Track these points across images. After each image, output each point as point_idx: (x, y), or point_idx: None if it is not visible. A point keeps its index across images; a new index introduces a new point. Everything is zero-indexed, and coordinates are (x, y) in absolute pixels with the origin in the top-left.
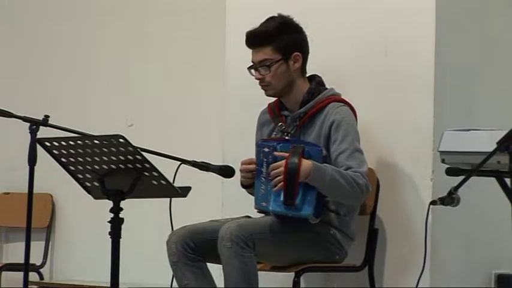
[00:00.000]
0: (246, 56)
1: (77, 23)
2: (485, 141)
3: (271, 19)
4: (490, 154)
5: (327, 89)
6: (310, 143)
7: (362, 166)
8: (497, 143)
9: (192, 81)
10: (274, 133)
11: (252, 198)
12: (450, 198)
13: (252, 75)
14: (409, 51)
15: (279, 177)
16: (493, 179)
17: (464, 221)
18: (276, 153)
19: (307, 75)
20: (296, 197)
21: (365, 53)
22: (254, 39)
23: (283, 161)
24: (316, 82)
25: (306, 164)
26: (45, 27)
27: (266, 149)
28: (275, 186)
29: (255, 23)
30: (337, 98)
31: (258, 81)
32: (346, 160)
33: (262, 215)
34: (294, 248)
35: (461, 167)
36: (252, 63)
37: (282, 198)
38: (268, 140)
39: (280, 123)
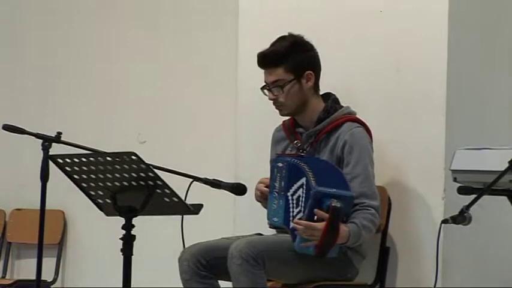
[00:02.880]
0: (258, 73)
1: (89, 39)
2: (497, 160)
3: (281, 39)
4: (502, 173)
5: (342, 107)
6: (328, 164)
7: (375, 196)
8: (509, 162)
9: (205, 98)
10: (289, 149)
11: (264, 215)
12: (462, 217)
13: (265, 95)
14: (421, 70)
15: (314, 238)
16: (504, 198)
17: (476, 239)
18: (316, 210)
19: (322, 93)
20: (327, 254)
21: (377, 72)
22: (266, 60)
23: (321, 224)
24: (332, 100)
25: (343, 232)
26: (57, 43)
27: (280, 164)
28: (304, 233)
29: (267, 41)
30: (352, 118)
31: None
32: (359, 187)
33: (274, 231)
34: (304, 266)
35: (473, 186)
36: (264, 84)
37: (311, 249)
38: (283, 156)
39: (296, 141)
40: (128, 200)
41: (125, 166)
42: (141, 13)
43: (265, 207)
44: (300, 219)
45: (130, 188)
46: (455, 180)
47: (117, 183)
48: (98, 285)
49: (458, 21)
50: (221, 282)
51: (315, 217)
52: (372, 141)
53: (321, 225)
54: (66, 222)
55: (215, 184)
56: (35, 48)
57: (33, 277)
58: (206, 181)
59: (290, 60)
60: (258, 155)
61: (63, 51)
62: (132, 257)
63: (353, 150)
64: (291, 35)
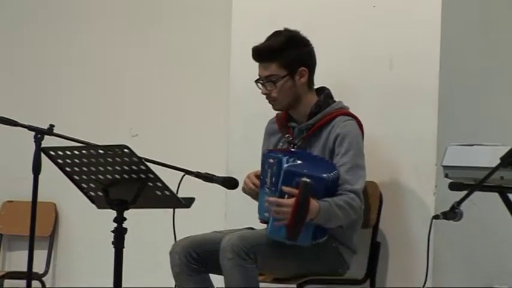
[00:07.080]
0: (251, 67)
1: (82, 34)
2: (489, 157)
3: (277, 34)
4: (493, 169)
5: (335, 101)
6: (317, 157)
7: (357, 182)
8: (501, 159)
9: (197, 91)
10: (281, 144)
11: (255, 209)
12: (453, 213)
13: (259, 88)
14: (413, 65)
15: (284, 215)
16: (495, 194)
17: (467, 235)
18: (284, 187)
19: (316, 87)
20: (299, 235)
21: (369, 67)
22: (260, 54)
23: (291, 200)
24: (325, 95)
25: (314, 207)
26: (51, 37)
27: (271, 160)
28: (277, 218)
29: (260, 37)
30: (344, 112)
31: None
32: (344, 174)
33: (265, 225)
34: (295, 260)
35: (465, 182)
36: (258, 77)
37: (283, 231)
38: (274, 151)
39: (287, 135)
40: (119, 193)
41: (117, 159)
42: (133, 10)
43: (254, 199)
44: None
45: (122, 181)
46: (446, 176)
47: (109, 176)
48: (89, 277)
49: (451, 16)
50: (212, 276)
51: (286, 196)
52: (363, 135)
53: (290, 201)
54: (57, 214)
55: (207, 178)
56: (28, 42)
57: (25, 269)
58: (198, 175)
59: (284, 56)
60: (249, 149)
61: (57, 44)
62: (124, 249)
63: (344, 141)
64: (286, 30)
